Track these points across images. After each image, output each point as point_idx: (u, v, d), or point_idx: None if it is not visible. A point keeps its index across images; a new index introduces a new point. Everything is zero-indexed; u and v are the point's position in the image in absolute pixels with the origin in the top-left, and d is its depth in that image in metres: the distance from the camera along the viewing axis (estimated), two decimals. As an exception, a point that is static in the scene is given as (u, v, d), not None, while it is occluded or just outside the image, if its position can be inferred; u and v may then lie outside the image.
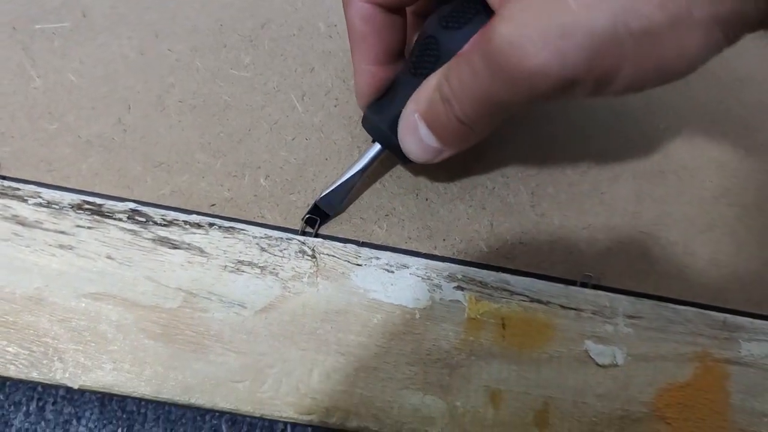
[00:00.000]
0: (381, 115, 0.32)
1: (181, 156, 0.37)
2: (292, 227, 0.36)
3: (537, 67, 0.24)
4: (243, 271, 0.35)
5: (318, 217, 0.35)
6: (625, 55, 0.24)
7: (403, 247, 0.37)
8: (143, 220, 0.35)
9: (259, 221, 0.36)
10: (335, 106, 0.38)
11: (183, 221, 0.35)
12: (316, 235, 0.36)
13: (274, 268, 0.35)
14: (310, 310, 0.35)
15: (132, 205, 0.35)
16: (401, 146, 0.32)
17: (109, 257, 0.34)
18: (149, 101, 0.37)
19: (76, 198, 0.35)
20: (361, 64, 0.32)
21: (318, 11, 0.39)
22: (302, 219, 0.35)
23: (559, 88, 0.25)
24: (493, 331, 0.36)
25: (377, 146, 0.34)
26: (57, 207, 0.34)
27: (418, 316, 0.35)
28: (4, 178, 0.35)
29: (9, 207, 0.34)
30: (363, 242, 0.37)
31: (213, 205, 0.36)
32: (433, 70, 0.30)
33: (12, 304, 0.33)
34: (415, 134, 0.31)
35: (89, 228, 0.34)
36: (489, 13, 0.28)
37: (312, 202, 0.36)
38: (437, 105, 0.29)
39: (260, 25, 0.39)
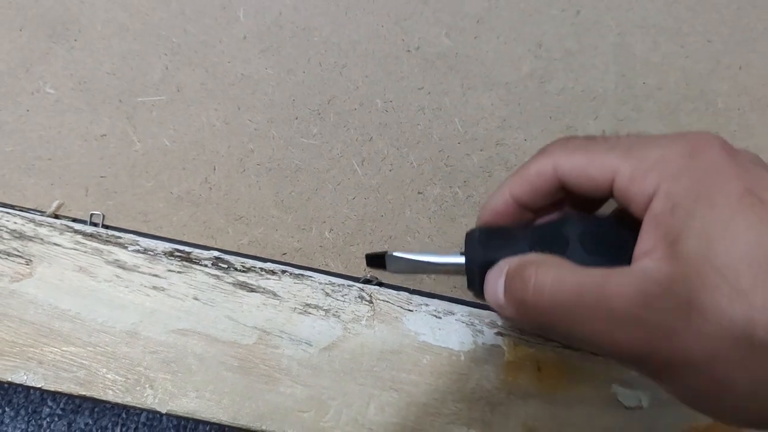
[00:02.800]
0: (485, 243, 0.32)
1: (258, 211, 0.42)
2: (352, 274, 0.41)
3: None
4: (310, 313, 0.39)
5: (377, 264, 0.39)
6: None
7: (449, 296, 0.41)
8: (225, 266, 0.40)
9: (324, 269, 0.41)
10: (390, 170, 0.43)
11: (260, 268, 0.40)
12: (374, 283, 0.41)
13: (336, 311, 0.40)
14: (368, 349, 0.39)
15: (216, 253, 0.40)
16: (485, 282, 0.32)
17: (195, 298, 0.39)
18: (232, 164, 0.43)
19: (168, 246, 0.40)
20: (504, 192, 0.32)
21: (376, 89, 0.44)
22: (366, 255, 0.38)
23: None
24: (530, 373, 0.39)
25: (461, 260, 0.34)
26: (152, 253, 0.40)
27: (462, 357, 0.39)
28: (107, 227, 0.40)
29: (112, 253, 0.39)
30: (414, 290, 0.41)
31: (284, 253, 0.41)
32: (549, 249, 0.30)
33: (112, 337, 0.38)
34: (495, 284, 0.30)
35: (179, 272, 0.39)
36: (632, 235, 0.27)
37: (385, 251, 0.37)
38: (520, 282, 0.28)
39: (327, 101, 0.44)
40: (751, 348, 0.22)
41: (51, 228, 0.39)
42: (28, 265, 0.38)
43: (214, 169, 0.42)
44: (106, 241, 0.39)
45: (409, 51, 0.45)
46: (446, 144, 0.44)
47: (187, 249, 0.40)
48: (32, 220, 0.39)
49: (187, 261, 0.40)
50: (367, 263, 0.37)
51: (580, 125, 0.45)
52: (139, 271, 0.39)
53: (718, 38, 0.46)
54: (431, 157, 0.44)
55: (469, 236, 0.33)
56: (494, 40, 0.45)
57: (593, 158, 0.28)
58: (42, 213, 0.40)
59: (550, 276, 0.27)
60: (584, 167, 0.28)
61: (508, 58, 0.45)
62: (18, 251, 0.38)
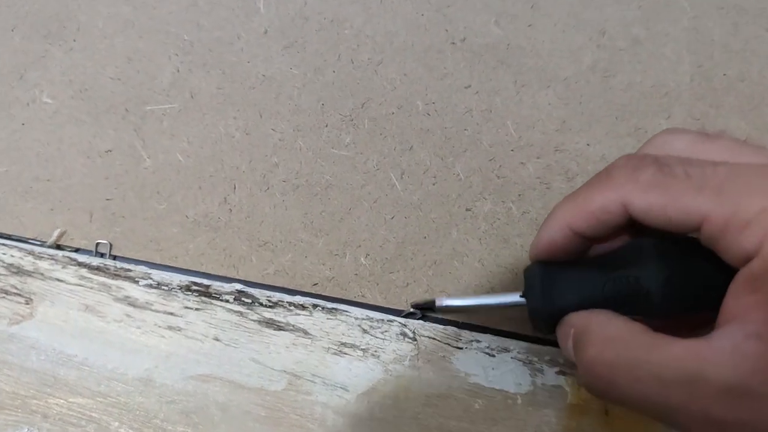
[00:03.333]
0: (548, 287, 0.29)
1: (285, 235, 0.37)
2: (392, 307, 0.36)
3: None
4: (345, 353, 0.35)
5: (426, 311, 0.35)
6: None
7: (504, 329, 0.37)
8: (249, 301, 0.35)
9: (360, 300, 0.37)
10: (434, 184, 0.38)
11: (288, 302, 0.36)
12: (418, 317, 0.36)
13: (375, 351, 0.35)
14: (412, 393, 0.35)
15: (238, 286, 0.36)
16: (558, 338, 0.29)
17: (216, 339, 0.35)
18: (254, 181, 0.38)
19: (185, 279, 0.36)
20: (563, 224, 0.28)
21: (416, 89, 0.39)
22: (411, 305, 0.35)
23: None
24: (596, 417, 0.35)
25: (521, 301, 0.30)
26: (166, 288, 0.35)
27: (519, 401, 0.35)
28: (115, 258, 0.36)
29: (122, 288, 0.35)
30: (463, 323, 0.37)
31: (315, 284, 0.37)
32: (626, 300, 0.27)
33: (124, 385, 0.34)
34: (565, 344, 0.27)
35: (197, 309, 0.35)
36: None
37: (432, 301, 0.34)
38: (588, 351, 0.26)
39: (360, 105, 0.39)
40: None
41: (52, 261, 0.35)
42: (28, 304, 0.34)
43: (235, 188, 0.38)
44: (115, 275, 0.35)
45: (453, 43, 0.40)
46: (497, 151, 0.39)
47: (205, 282, 0.36)
48: (31, 252, 0.35)
49: (205, 296, 0.35)
50: (413, 311, 0.34)
51: (650, 126, 0.39)
52: (152, 309, 0.35)
53: (811, 18, 0.40)
54: (480, 167, 0.39)
55: (529, 277, 0.29)
56: (551, 28, 0.40)
57: (674, 200, 0.24)
58: (42, 243, 0.36)
59: (623, 350, 0.24)
60: (662, 208, 0.25)
61: (567, 48, 0.40)
62: (16, 289, 0.34)
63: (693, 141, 0.27)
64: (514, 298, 0.31)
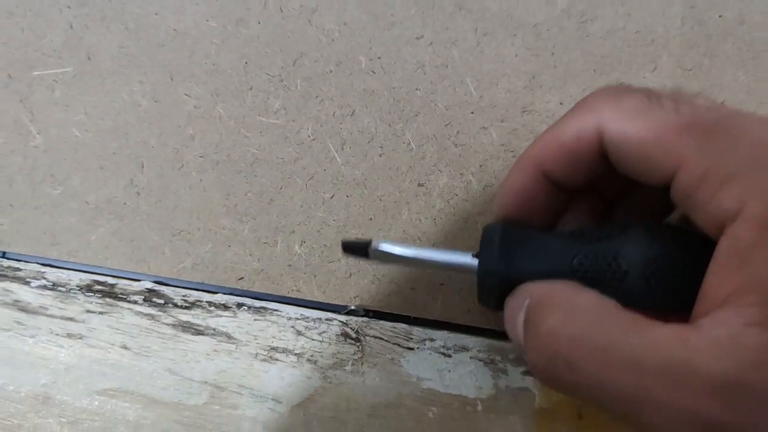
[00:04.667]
0: (507, 250, 0.25)
1: (204, 222, 0.33)
2: (332, 302, 0.32)
3: None
4: (277, 360, 0.32)
5: (356, 253, 0.29)
6: None
7: (462, 323, 0.32)
8: (162, 302, 0.32)
9: (294, 295, 0.33)
10: (380, 155, 0.34)
11: (207, 302, 0.32)
12: (362, 313, 0.32)
13: (312, 355, 0.32)
14: (355, 404, 0.31)
15: (149, 284, 0.32)
16: (504, 310, 0.25)
17: (124, 347, 0.32)
18: (165, 157, 0.33)
19: (86, 278, 0.31)
20: (529, 163, 0.25)
21: (358, 42, 0.34)
22: (342, 242, 0.28)
23: None
24: (568, 423, 0.32)
25: (474, 263, 0.26)
26: (64, 289, 0.31)
27: (480, 407, 0.32)
28: (4, 255, 0.31)
29: (10, 291, 0.31)
30: (414, 318, 0.33)
31: (241, 278, 0.33)
32: (600, 277, 0.23)
33: (17, 405, 0.30)
34: (514, 318, 0.24)
35: (101, 313, 0.32)
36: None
37: (368, 241, 0.27)
38: (547, 325, 0.22)
39: (291, 62, 0.34)
40: None
41: (-75, 262, 0.30)
42: None
43: (143, 167, 0.34)
44: (1, 276, 0.30)
45: (401, -15, 0.35)
46: (455, 115, 0.34)
47: (110, 280, 0.32)
48: None
49: (110, 297, 0.31)
50: (343, 250, 0.28)
51: (633, 79, 0.35)
52: (47, 315, 0.31)
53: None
54: (435, 134, 0.34)
55: (487, 236, 0.26)
56: (518, -37, 0.35)
57: (655, 134, 0.21)
58: None
59: (593, 324, 0.21)
60: (640, 142, 0.22)
61: (537, -12, 0.35)
62: None
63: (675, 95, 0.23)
64: (466, 257, 0.26)
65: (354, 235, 0.33)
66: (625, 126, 0.22)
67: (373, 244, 0.27)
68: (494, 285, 0.25)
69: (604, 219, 0.28)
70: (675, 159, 0.21)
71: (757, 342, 0.18)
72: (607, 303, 0.21)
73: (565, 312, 0.22)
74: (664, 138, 0.21)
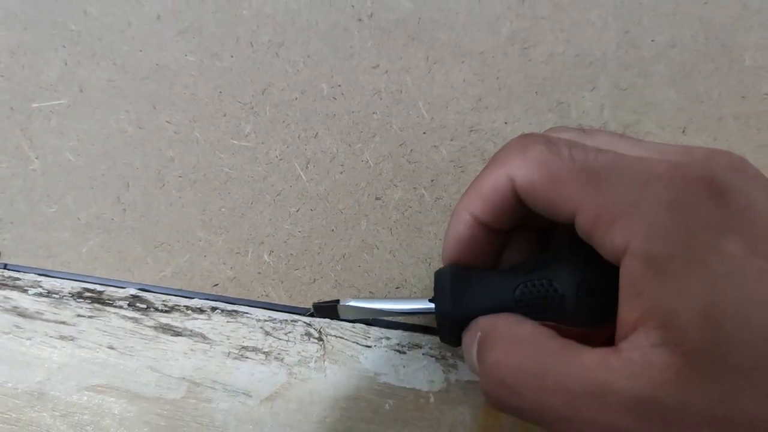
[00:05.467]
0: (457, 292, 0.27)
1: (182, 234, 0.35)
2: (297, 305, 0.35)
3: None
4: (247, 358, 0.33)
5: (327, 315, 0.33)
6: None
7: (415, 323, 0.35)
8: (144, 306, 0.34)
9: (264, 300, 0.35)
10: (341, 173, 0.36)
11: (185, 306, 0.34)
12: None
13: (279, 353, 0.34)
14: (318, 397, 0.33)
15: (133, 291, 0.34)
16: (462, 345, 0.27)
17: (110, 347, 0.33)
18: (148, 177, 0.36)
19: (77, 286, 0.34)
20: (464, 213, 0.27)
21: (321, 71, 0.37)
22: (313, 304, 0.33)
23: None
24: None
25: (430, 306, 0.28)
26: (57, 296, 0.34)
27: (432, 399, 0.33)
28: (5, 267, 0.34)
29: (10, 298, 0.33)
30: (373, 320, 0.35)
31: (216, 285, 0.35)
32: (540, 304, 0.25)
33: (15, 400, 0.32)
34: (470, 351, 0.26)
35: (90, 317, 0.34)
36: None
37: (335, 300, 0.31)
38: (495, 357, 0.24)
39: (261, 91, 0.37)
40: None
41: (-65, 273, 0.33)
42: None
43: (128, 186, 0.36)
44: (2, 284, 0.33)
45: (360, 20, 0.37)
46: (408, 135, 0.37)
47: (98, 287, 0.34)
48: None
49: (98, 303, 0.34)
50: (314, 312, 0.31)
51: (573, 100, 0.37)
52: (42, 319, 0.33)
53: (748, -25, 0.37)
54: (390, 152, 0.36)
55: (439, 281, 0.27)
56: (465, -3, 0.37)
57: (555, 183, 0.23)
58: (-76, 255, 0.34)
59: (530, 354, 0.23)
60: (543, 190, 0.24)
61: (483, 19, 0.37)
62: None
63: (575, 137, 0.25)
64: (423, 303, 0.29)
65: (317, 245, 0.36)
66: (529, 176, 0.24)
67: (341, 302, 0.30)
68: (450, 325, 0.27)
69: (544, 247, 0.29)
70: (571, 204, 0.23)
71: (662, 362, 0.20)
72: (542, 332, 0.23)
73: (507, 344, 0.23)
74: (560, 186, 0.23)
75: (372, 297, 0.34)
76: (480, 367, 0.24)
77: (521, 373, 0.22)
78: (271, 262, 0.35)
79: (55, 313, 0.34)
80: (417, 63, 0.37)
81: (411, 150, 0.36)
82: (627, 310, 0.21)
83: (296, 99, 0.37)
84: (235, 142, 0.36)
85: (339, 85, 0.37)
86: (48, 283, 0.34)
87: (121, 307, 0.34)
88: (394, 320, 0.35)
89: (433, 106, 0.37)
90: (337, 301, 0.31)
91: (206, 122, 0.36)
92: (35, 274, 0.34)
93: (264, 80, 0.37)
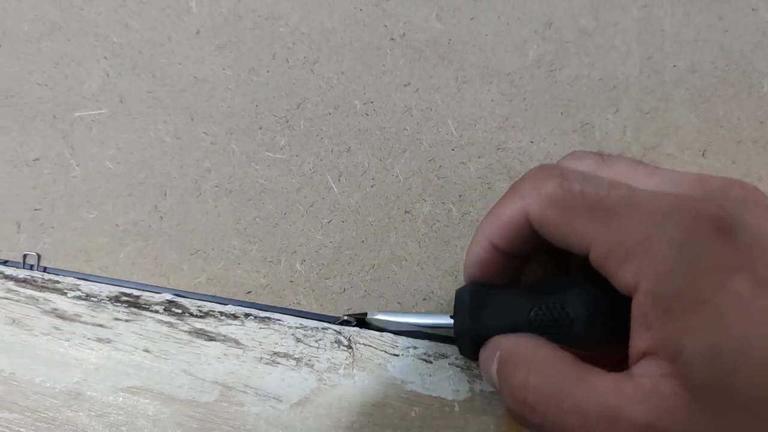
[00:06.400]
0: (476, 310, 0.28)
1: (217, 242, 0.36)
2: (327, 313, 0.36)
3: None
4: (278, 363, 0.34)
5: (358, 324, 0.35)
6: None
7: (442, 333, 0.36)
8: (179, 311, 0.35)
9: (295, 308, 0.36)
10: (372, 186, 0.37)
11: (219, 312, 0.35)
12: (353, 324, 0.36)
13: (309, 360, 0.34)
14: (346, 403, 0.34)
15: (168, 296, 0.35)
16: (480, 361, 0.28)
17: (146, 350, 0.34)
18: (185, 186, 0.37)
19: (114, 290, 0.35)
20: (482, 239, 0.28)
21: (354, 88, 0.38)
22: (344, 314, 0.35)
23: None
24: None
25: (451, 323, 0.30)
26: (95, 300, 0.35)
27: (457, 408, 0.34)
28: (44, 269, 0.35)
29: (50, 301, 0.34)
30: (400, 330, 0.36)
31: (249, 292, 0.36)
32: (551, 325, 0.26)
33: (52, 399, 0.33)
34: (489, 368, 0.27)
35: (126, 321, 0.34)
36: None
37: (364, 312, 0.34)
38: (515, 377, 0.25)
39: (296, 105, 0.38)
40: None
41: (-22, 274, 0.34)
42: (-47, 319, 0.33)
43: (165, 195, 0.37)
44: (42, 287, 0.34)
45: (393, 39, 0.38)
46: (438, 151, 0.38)
47: (135, 292, 0.35)
48: (-44, 266, 0.34)
49: (135, 307, 0.34)
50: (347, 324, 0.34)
51: (597, 121, 0.38)
52: (80, 321, 0.34)
53: (765, 5, 0.38)
54: (420, 168, 0.38)
55: (459, 299, 0.29)
56: (494, 21, 0.38)
57: (567, 218, 0.24)
58: (-32, 256, 0.35)
59: (551, 377, 0.24)
60: (556, 226, 0.25)
61: (511, 42, 0.38)
62: (-59, 304, 0.33)
63: (593, 165, 0.26)
64: (445, 319, 0.31)
65: (347, 255, 0.37)
66: (543, 211, 0.25)
67: (369, 315, 0.33)
68: (468, 340, 0.28)
69: (562, 269, 0.30)
70: (585, 239, 0.23)
71: (670, 391, 0.21)
72: (562, 356, 0.24)
73: (529, 366, 0.24)
74: (573, 222, 0.24)
75: (398, 310, 0.36)
76: (502, 386, 0.25)
77: (542, 395, 0.23)
78: (302, 271, 0.36)
79: (92, 316, 0.34)
80: (447, 82, 0.38)
81: (440, 166, 0.37)
82: (638, 338, 0.22)
83: (330, 114, 0.38)
84: (270, 154, 0.37)
85: (371, 102, 0.38)
86: (86, 286, 0.35)
87: (157, 311, 0.35)
88: (418, 333, 0.36)
89: (462, 124, 0.38)
90: (365, 313, 0.34)
91: (242, 134, 0.38)
92: (74, 277, 0.35)
93: (299, 95, 0.38)
